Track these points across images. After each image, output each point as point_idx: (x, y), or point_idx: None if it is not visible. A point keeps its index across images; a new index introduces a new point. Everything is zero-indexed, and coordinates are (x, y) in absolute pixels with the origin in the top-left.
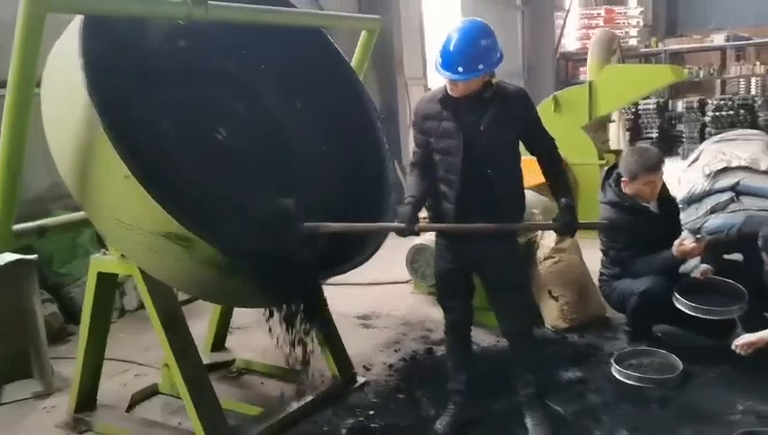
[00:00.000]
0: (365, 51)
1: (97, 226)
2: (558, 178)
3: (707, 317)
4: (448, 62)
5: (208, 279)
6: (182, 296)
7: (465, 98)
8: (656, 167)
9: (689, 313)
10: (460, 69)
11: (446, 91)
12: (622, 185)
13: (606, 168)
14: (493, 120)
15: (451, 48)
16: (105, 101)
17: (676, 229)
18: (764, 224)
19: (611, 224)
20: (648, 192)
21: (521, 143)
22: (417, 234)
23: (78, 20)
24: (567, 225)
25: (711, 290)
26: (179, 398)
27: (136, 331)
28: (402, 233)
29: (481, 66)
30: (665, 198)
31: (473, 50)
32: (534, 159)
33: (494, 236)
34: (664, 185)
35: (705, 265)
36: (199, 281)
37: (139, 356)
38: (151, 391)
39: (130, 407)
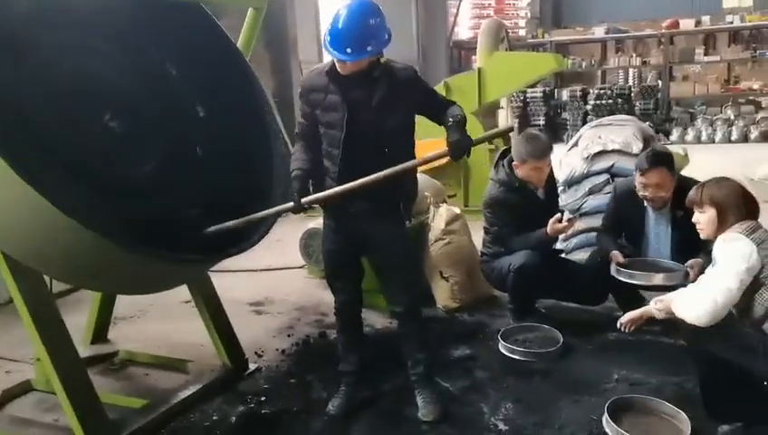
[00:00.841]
0: (252, 30)
1: None
2: (447, 111)
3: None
4: (337, 41)
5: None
6: (57, 287)
7: (354, 73)
8: (543, 154)
9: (629, 281)
10: (348, 50)
11: (333, 64)
12: (513, 167)
13: (500, 150)
14: (383, 98)
15: (339, 26)
16: None
17: (554, 210)
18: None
19: (499, 131)
20: (535, 177)
21: (417, 124)
22: (306, 208)
23: None
24: (458, 142)
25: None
26: (55, 394)
27: (6, 325)
28: (294, 211)
29: (370, 47)
30: (551, 184)
31: (361, 29)
32: (428, 141)
33: (379, 216)
34: (551, 172)
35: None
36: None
37: (11, 352)
38: (24, 388)
39: (2, 404)
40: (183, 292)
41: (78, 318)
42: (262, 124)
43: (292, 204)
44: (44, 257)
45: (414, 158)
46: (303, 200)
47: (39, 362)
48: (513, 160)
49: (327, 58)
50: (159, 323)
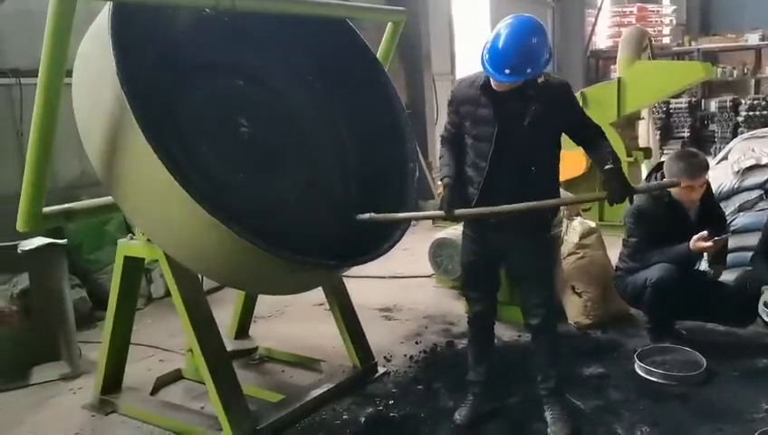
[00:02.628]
0: (390, 43)
1: (126, 211)
2: (601, 149)
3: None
4: (496, 61)
5: (245, 268)
6: (207, 286)
7: (508, 89)
8: (696, 174)
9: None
10: (507, 71)
11: (487, 78)
12: None
13: (652, 163)
14: (537, 116)
15: (500, 46)
16: (135, 89)
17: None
18: None
19: (664, 184)
20: (685, 196)
21: (562, 138)
22: (458, 220)
23: (107, 7)
24: (616, 191)
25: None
26: (202, 383)
27: (162, 318)
28: (444, 219)
29: (529, 70)
30: (709, 208)
31: (522, 50)
32: (563, 154)
33: (521, 227)
34: (711, 196)
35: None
36: (234, 269)
37: (165, 342)
38: (175, 376)
39: (154, 390)
40: (317, 295)
41: (222, 315)
42: (399, 141)
43: (442, 212)
44: (200, 260)
45: (557, 175)
46: (457, 213)
47: (190, 353)
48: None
49: (460, 72)
50: (295, 323)
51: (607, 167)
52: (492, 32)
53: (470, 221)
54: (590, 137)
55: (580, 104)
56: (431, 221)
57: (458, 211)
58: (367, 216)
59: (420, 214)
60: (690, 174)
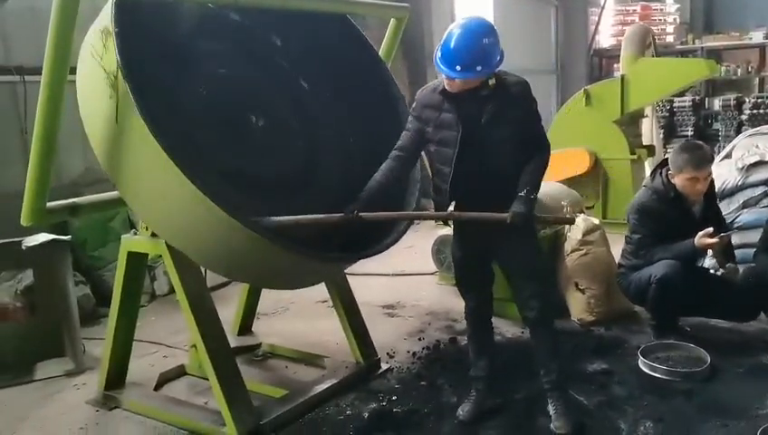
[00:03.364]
0: (393, 39)
1: (130, 204)
2: (531, 174)
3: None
4: (448, 58)
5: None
6: (210, 283)
7: (465, 91)
8: (701, 164)
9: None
10: (458, 67)
11: None
12: (670, 177)
13: (656, 160)
14: (493, 115)
15: (452, 45)
16: (138, 81)
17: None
18: None
19: (560, 218)
20: (690, 188)
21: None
22: (357, 221)
23: (111, 2)
24: (517, 214)
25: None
26: (206, 379)
27: (166, 314)
28: (343, 222)
29: (479, 68)
30: (710, 204)
31: (473, 49)
32: (568, 151)
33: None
34: (713, 195)
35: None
36: (241, 262)
37: (168, 338)
38: (179, 372)
39: (158, 386)
40: (320, 292)
41: (226, 312)
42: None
43: (338, 215)
44: (205, 251)
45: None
46: (363, 215)
47: (194, 348)
48: (670, 170)
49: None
50: (298, 320)
51: (521, 193)
52: (446, 32)
53: (456, 221)
54: (530, 149)
55: (583, 102)
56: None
57: (365, 214)
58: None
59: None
60: (695, 165)
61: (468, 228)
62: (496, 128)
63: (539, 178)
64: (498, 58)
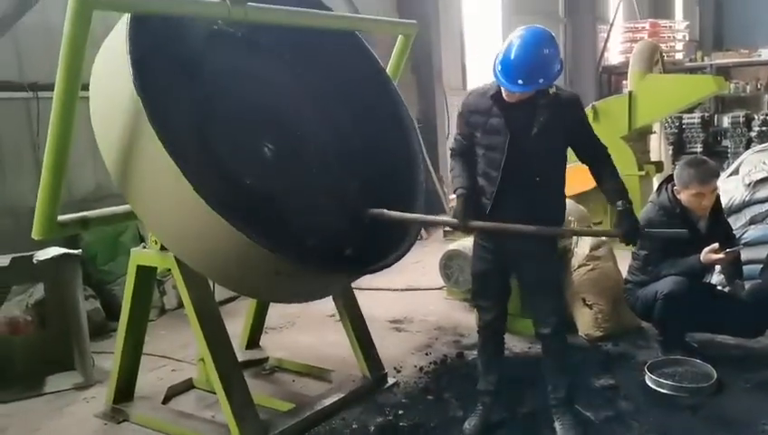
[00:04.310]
0: (401, 55)
1: (141, 217)
2: (611, 181)
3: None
4: (508, 71)
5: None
6: (219, 298)
7: (519, 99)
8: (707, 179)
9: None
10: (520, 81)
11: (498, 89)
12: (675, 193)
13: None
14: (544, 125)
15: (512, 57)
16: (151, 96)
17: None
18: None
19: (674, 233)
20: (696, 204)
21: (569, 150)
22: (471, 231)
23: (124, 19)
24: (630, 231)
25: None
26: (214, 392)
27: (174, 329)
28: (456, 228)
29: (541, 80)
30: (719, 221)
31: (534, 61)
32: (576, 166)
33: (533, 237)
34: (720, 210)
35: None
36: (248, 276)
37: (177, 352)
38: (187, 386)
39: (166, 399)
40: (328, 306)
41: (234, 326)
42: (406, 143)
43: (455, 220)
44: (215, 267)
45: (563, 183)
46: (472, 224)
47: (201, 362)
48: (675, 185)
49: (471, 86)
50: (306, 334)
51: (620, 207)
52: (504, 42)
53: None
54: (597, 157)
55: (591, 118)
56: (442, 234)
57: (473, 223)
58: (378, 211)
59: (433, 218)
60: (700, 180)
61: (495, 238)
62: (547, 137)
63: (623, 185)
64: (558, 68)
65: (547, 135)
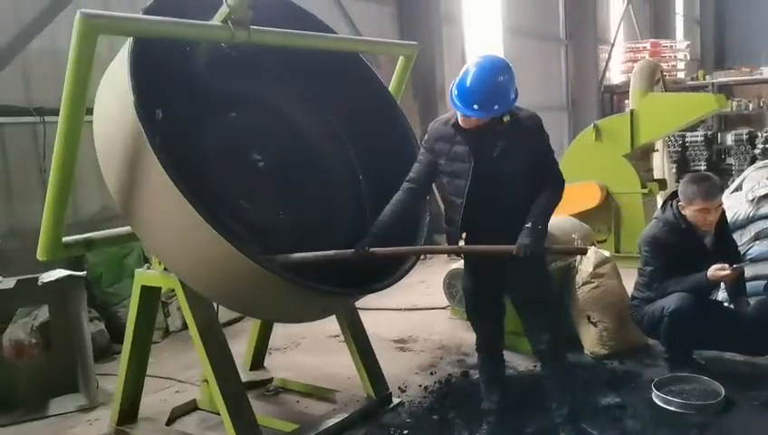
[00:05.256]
0: (402, 76)
1: (143, 240)
2: (540, 203)
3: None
4: (464, 97)
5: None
6: (223, 318)
7: (479, 125)
8: (711, 195)
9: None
10: (475, 106)
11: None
12: (680, 208)
13: (667, 192)
14: (505, 149)
15: (468, 83)
16: (153, 121)
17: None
18: None
19: (571, 249)
20: (701, 220)
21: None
22: (366, 258)
23: (127, 44)
24: (523, 246)
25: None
26: (217, 414)
27: (179, 350)
28: (351, 257)
29: (496, 107)
30: (724, 237)
31: (489, 88)
32: (579, 185)
33: (512, 257)
34: (726, 225)
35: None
36: (252, 298)
37: (181, 374)
38: (191, 407)
39: (170, 421)
40: (332, 326)
41: (238, 347)
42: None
43: (350, 251)
44: (218, 288)
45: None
46: (374, 250)
47: (205, 383)
48: (680, 201)
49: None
50: (310, 354)
51: (528, 224)
52: (462, 69)
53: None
54: (545, 182)
55: (593, 137)
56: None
57: (375, 250)
58: (377, 250)
59: (333, 252)
60: (704, 196)
61: (479, 260)
62: (508, 161)
63: (548, 211)
64: (513, 96)
65: (509, 158)
